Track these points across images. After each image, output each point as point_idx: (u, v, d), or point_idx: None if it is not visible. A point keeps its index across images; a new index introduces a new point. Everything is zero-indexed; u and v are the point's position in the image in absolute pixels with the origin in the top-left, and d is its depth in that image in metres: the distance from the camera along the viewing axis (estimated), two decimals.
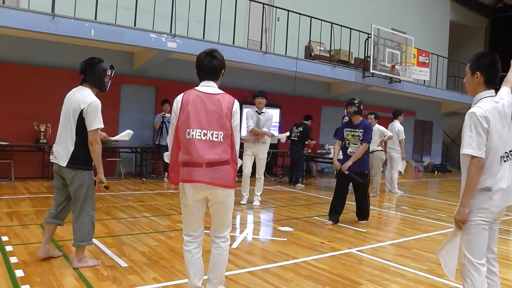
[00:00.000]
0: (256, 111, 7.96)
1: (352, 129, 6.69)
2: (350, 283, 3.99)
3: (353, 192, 6.92)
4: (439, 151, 20.14)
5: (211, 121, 3.02)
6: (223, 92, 3.17)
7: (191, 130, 2.99)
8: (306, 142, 10.99)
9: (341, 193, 6.69)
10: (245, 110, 12.20)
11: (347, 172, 6.53)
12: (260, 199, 8.02)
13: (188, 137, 3.00)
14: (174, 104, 3.15)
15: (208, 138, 2.99)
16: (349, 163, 6.48)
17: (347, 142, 6.71)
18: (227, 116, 3.05)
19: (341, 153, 6.90)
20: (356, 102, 6.62)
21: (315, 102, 14.32)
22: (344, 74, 13.02)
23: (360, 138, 6.59)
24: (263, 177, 8.15)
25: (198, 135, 2.98)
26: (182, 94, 3.14)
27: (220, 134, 3.01)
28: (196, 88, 3.17)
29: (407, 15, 17.44)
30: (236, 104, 3.16)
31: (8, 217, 5.75)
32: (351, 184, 6.84)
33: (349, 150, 6.66)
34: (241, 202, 7.85)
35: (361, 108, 6.70)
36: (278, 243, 5.32)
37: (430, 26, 18.47)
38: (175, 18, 9.41)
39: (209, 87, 3.17)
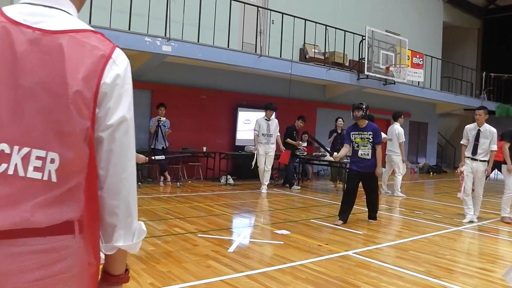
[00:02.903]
0: (266, 119, 9.91)
1: (360, 132, 6.85)
2: (348, 285, 3.99)
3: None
4: (434, 152, 20.19)
5: (29, 117, 1.04)
6: (86, 28, 1.14)
7: None
8: (287, 141, 10.81)
9: (352, 193, 6.88)
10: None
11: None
12: (266, 187, 9.94)
13: None
14: None
15: (13, 171, 1.03)
16: (379, 170, 6.78)
17: (356, 145, 6.87)
18: (80, 101, 1.07)
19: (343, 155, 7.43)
20: (363, 106, 6.80)
21: (311, 104, 14.33)
22: (339, 76, 13.04)
23: (370, 141, 6.76)
24: (271, 170, 10.10)
25: None
26: None
27: (52, 161, 1.05)
28: (4, 10, 1.10)
29: (401, 17, 17.50)
30: (118, 63, 1.16)
31: None
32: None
33: (360, 152, 6.84)
34: (262, 191, 9.83)
35: (367, 112, 6.88)
36: (275, 246, 5.31)
37: (423, 28, 18.54)
38: (170, 21, 9.40)
39: (40, 8, 1.11)
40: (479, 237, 6.44)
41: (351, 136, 6.93)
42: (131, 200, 1.17)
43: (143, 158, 4.59)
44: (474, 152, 7.37)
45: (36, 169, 1.04)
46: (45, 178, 1.04)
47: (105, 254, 1.19)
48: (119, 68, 1.14)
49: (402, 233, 6.45)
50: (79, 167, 1.09)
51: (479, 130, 7.35)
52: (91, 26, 1.18)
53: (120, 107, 1.16)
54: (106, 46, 1.13)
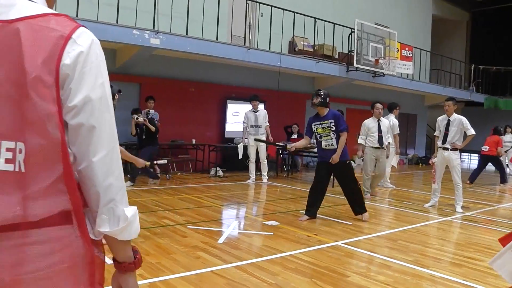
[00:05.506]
0: (253, 110, 10.13)
1: (321, 121, 6.34)
2: (337, 275, 4.01)
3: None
4: (423, 143, 20.35)
5: None
6: (46, 12, 1.09)
7: None
8: None
9: (320, 186, 6.46)
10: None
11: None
12: (267, 177, 10.33)
13: None
14: None
15: None
16: (336, 157, 6.17)
17: (319, 135, 6.35)
18: (41, 85, 1.02)
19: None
20: (321, 93, 6.34)
21: (299, 96, 14.35)
22: (328, 68, 13.05)
23: (332, 129, 6.26)
24: (266, 161, 10.32)
25: None
26: None
27: (20, 150, 1.02)
28: None
29: (390, 10, 17.54)
30: (80, 42, 1.11)
31: None
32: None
33: (323, 144, 6.34)
34: (248, 181, 10.09)
35: (327, 100, 6.38)
36: (265, 237, 5.32)
37: (412, 20, 18.61)
38: (158, 14, 9.33)
39: None
40: (467, 227, 6.50)
41: (313, 127, 6.38)
42: (108, 185, 1.10)
43: (143, 162, 4.58)
44: (444, 141, 7.64)
45: (7, 161, 1.01)
46: (15, 168, 1.02)
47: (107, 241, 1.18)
48: (80, 47, 1.09)
49: (391, 224, 6.50)
50: (54, 154, 1.05)
51: (448, 120, 7.66)
52: (78, 19, 1.19)
53: (83, 87, 1.08)
54: (67, 27, 1.09)
